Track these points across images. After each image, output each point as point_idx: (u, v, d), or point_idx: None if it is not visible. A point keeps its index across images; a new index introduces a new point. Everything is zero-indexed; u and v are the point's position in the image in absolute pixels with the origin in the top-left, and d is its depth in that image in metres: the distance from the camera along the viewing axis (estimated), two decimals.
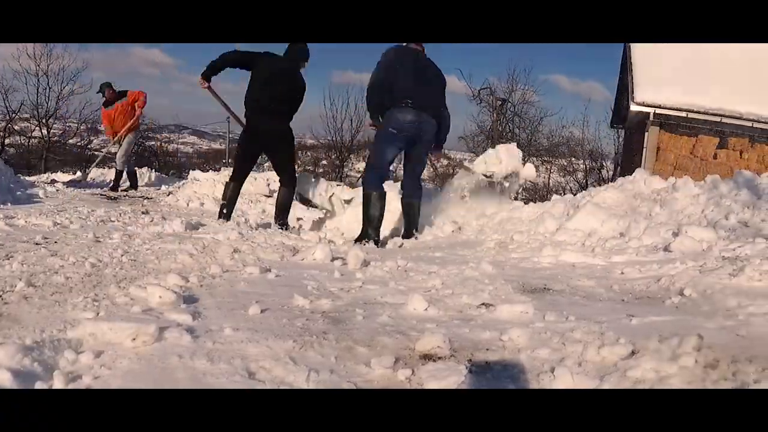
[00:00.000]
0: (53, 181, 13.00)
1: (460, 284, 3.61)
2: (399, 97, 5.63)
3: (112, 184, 12.47)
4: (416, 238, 5.94)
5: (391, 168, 6.46)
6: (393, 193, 6.47)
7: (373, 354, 2.32)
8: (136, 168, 13.78)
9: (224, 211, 6.89)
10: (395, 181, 7.48)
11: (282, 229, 6.32)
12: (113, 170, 13.13)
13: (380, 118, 5.93)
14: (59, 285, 3.16)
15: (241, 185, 7.22)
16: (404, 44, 5.99)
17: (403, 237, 5.98)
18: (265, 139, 6.95)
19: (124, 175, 12.62)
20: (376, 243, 5.71)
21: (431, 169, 36.28)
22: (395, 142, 5.75)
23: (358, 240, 5.77)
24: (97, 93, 12.63)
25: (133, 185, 12.82)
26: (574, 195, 7.57)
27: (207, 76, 6.74)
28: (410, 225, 6.04)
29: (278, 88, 6.74)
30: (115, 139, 12.28)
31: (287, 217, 7.10)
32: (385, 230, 6.37)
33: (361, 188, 6.68)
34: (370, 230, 5.81)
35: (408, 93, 5.61)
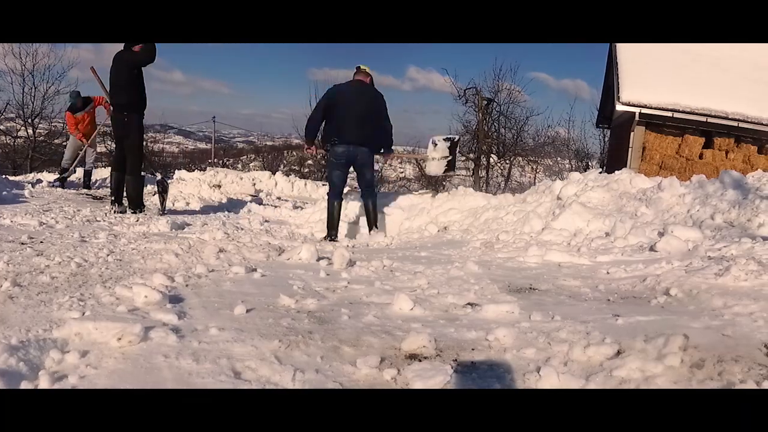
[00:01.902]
0: (39, 181, 12.89)
1: (445, 284, 3.62)
2: (331, 135, 7.12)
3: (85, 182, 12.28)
4: (377, 229, 7.39)
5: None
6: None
7: (359, 354, 2.32)
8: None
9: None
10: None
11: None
12: (98, 169, 13.06)
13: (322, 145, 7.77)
14: (45, 285, 3.15)
15: None
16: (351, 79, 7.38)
17: (369, 231, 7.35)
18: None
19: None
20: (334, 239, 7.01)
21: (416, 169, 36.49)
22: (338, 168, 7.23)
23: (326, 238, 7.08)
24: (70, 101, 12.24)
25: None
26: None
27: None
28: (370, 221, 7.45)
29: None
30: (89, 141, 12.09)
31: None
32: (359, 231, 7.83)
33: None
34: (332, 231, 7.19)
35: (335, 132, 7.05)
